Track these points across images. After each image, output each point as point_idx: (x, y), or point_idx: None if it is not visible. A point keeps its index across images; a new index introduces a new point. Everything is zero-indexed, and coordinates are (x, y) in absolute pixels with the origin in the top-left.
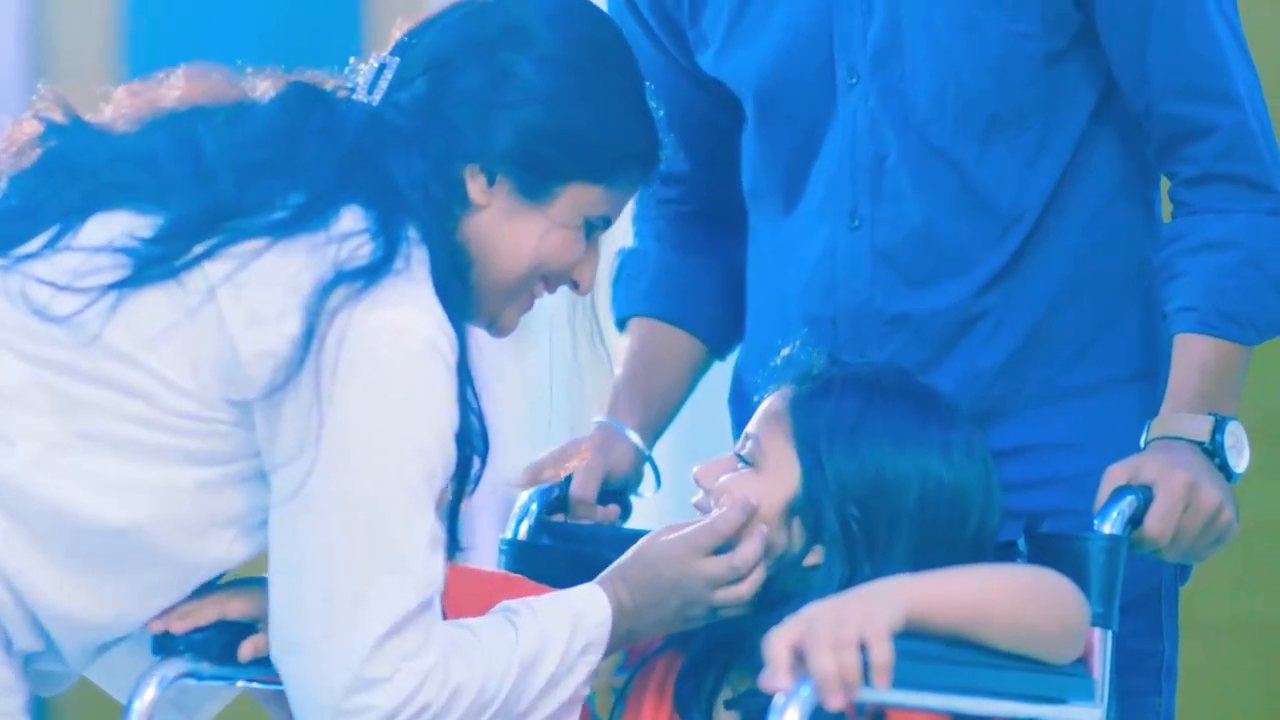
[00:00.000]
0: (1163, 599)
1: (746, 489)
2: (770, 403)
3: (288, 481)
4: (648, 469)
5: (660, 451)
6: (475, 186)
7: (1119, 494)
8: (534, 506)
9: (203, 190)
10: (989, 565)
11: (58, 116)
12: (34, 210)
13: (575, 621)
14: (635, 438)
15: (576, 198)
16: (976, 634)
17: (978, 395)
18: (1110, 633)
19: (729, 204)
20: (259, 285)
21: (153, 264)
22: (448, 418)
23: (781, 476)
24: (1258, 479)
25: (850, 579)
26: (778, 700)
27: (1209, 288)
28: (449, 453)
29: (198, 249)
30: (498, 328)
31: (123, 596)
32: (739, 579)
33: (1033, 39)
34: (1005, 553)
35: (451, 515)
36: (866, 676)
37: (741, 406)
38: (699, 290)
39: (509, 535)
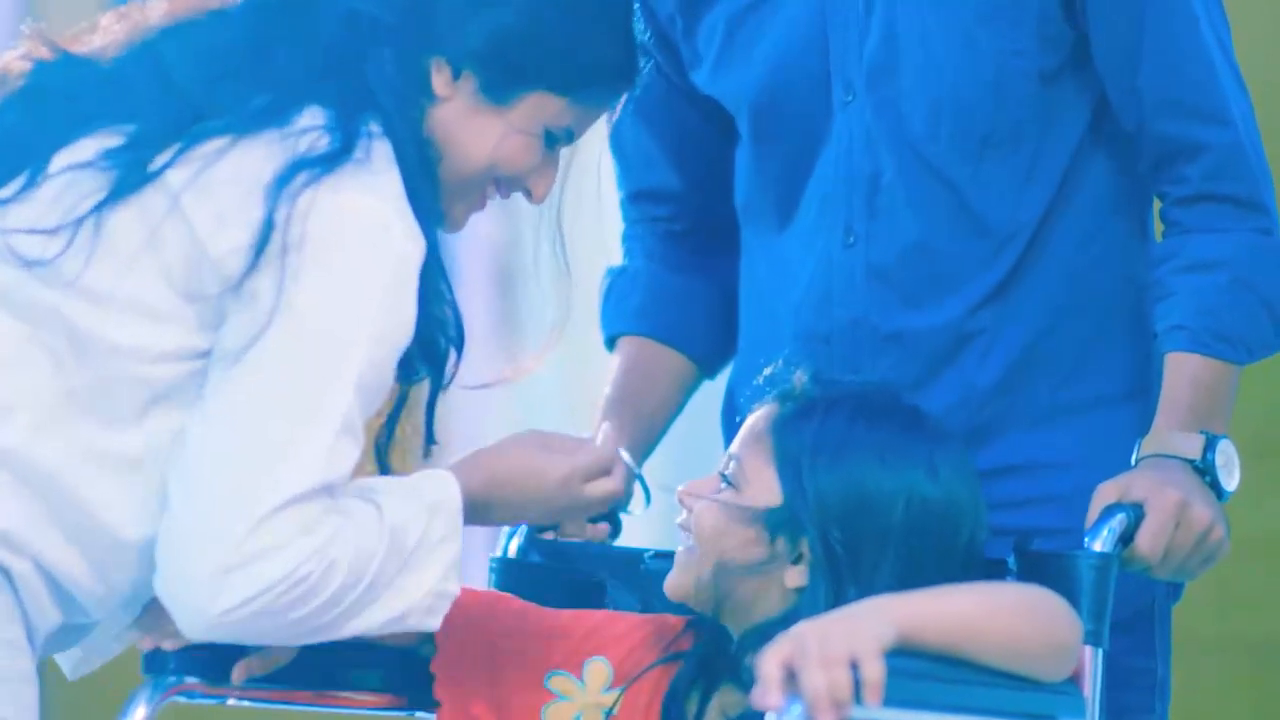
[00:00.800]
0: (1155, 617)
1: (723, 515)
2: (753, 422)
3: (235, 343)
4: (637, 486)
5: (651, 468)
6: (440, 79)
7: (1110, 512)
8: (524, 524)
9: (170, 101)
10: (981, 583)
11: (44, 53)
12: (11, 147)
13: (433, 508)
14: (625, 455)
15: (539, 106)
16: (968, 652)
17: (971, 413)
18: (1101, 650)
19: (720, 222)
20: (223, 184)
21: (125, 172)
22: (402, 310)
23: (763, 498)
24: (1245, 497)
25: (836, 600)
26: (769, 718)
27: (1201, 307)
28: (398, 344)
29: (162, 157)
30: (447, 223)
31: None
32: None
33: (1028, 56)
34: (995, 570)
35: (429, 409)
36: (858, 694)
37: (733, 424)
38: (690, 309)
39: (499, 554)
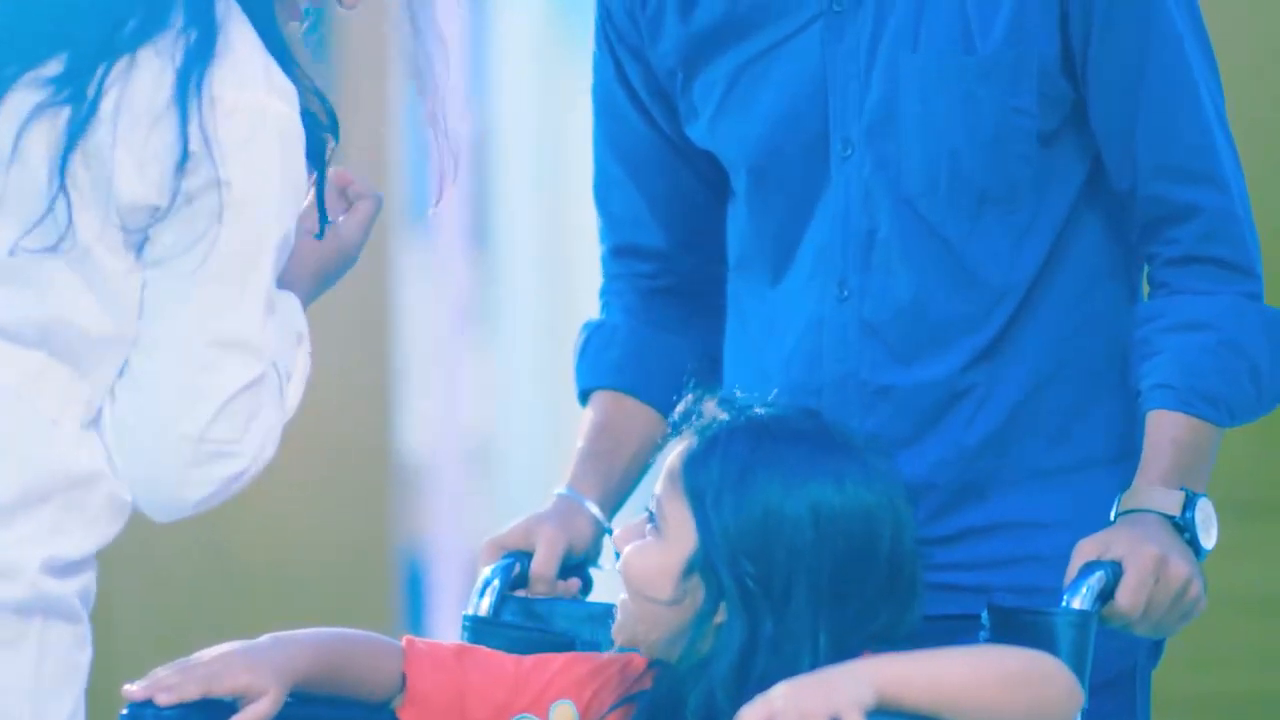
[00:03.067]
0: (1138, 678)
1: (648, 557)
2: (670, 460)
3: (167, 251)
4: (608, 541)
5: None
6: None
7: (1088, 569)
8: (496, 581)
9: (76, 20)
10: (977, 647)
11: None
12: None
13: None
14: (596, 510)
15: None
16: (940, 716)
17: (959, 471)
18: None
19: (703, 282)
20: (130, 112)
21: (75, 103)
22: (299, 171)
23: (681, 537)
24: (1223, 557)
25: (753, 633)
26: None
27: (1187, 367)
28: (300, 202)
29: (92, 87)
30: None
31: None
32: None
33: (1028, 115)
34: (967, 626)
35: (320, 201)
36: None
37: None
38: (667, 366)
39: (471, 611)
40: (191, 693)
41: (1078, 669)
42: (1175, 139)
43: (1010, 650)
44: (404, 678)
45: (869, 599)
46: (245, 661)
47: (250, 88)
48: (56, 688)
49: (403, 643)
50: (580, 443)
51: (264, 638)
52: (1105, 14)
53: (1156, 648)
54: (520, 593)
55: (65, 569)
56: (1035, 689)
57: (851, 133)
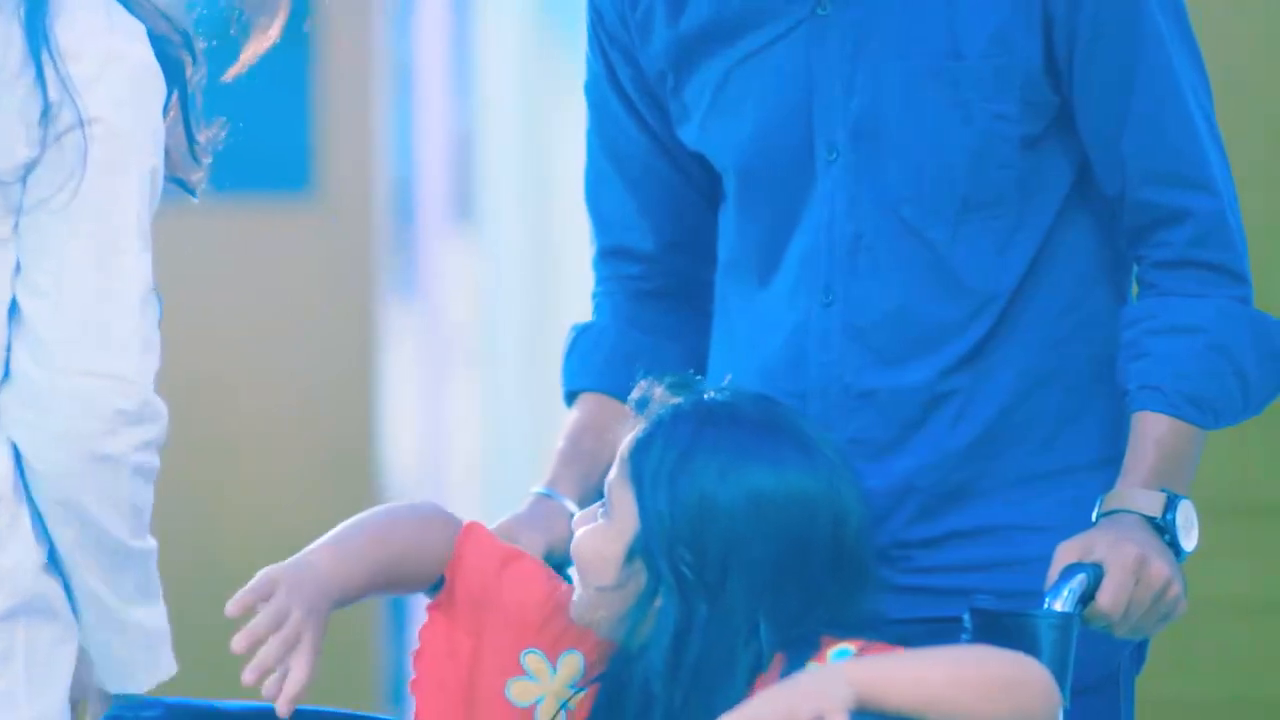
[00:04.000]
0: (1120, 684)
1: (595, 541)
2: (622, 445)
3: (40, 191)
4: None
5: None
6: None
7: (1070, 571)
8: None
9: None
10: (957, 648)
11: None
12: None
13: None
14: (575, 509)
15: None
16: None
17: (944, 475)
18: (1062, 711)
19: (692, 286)
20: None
21: None
22: (158, 104)
23: (625, 522)
24: (1205, 560)
25: (688, 619)
26: None
27: (1176, 370)
28: (159, 147)
29: None
30: None
31: None
32: None
33: (1011, 121)
34: (950, 629)
35: (187, 123)
36: None
37: None
38: (655, 370)
39: None
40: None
41: (1059, 671)
42: (1163, 145)
43: (991, 653)
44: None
45: (810, 587)
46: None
47: (94, 32)
48: (41, 687)
49: (460, 531)
50: (561, 443)
51: (309, 556)
52: (1090, 21)
53: (1140, 653)
54: None
55: (43, 566)
56: (1015, 694)
57: (836, 138)
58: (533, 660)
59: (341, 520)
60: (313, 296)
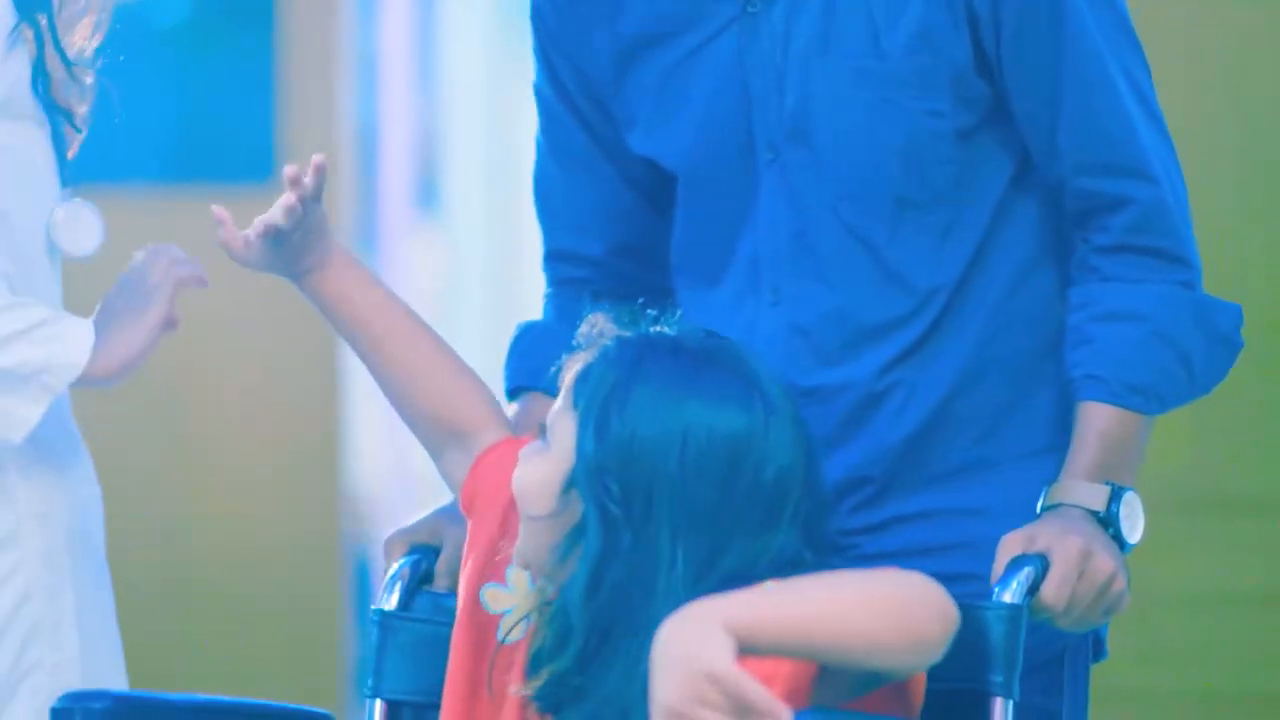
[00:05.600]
0: (1065, 665)
1: (533, 470)
2: (567, 374)
3: None
4: None
5: None
6: None
7: (1017, 563)
8: (405, 576)
9: None
10: (848, 572)
11: None
12: None
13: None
14: None
15: None
16: (814, 650)
17: (888, 467)
18: (1011, 702)
19: (639, 291)
20: None
21: None
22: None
23: (564, 451)
24: (1168, 552)
25: (611, 550)
26: None
27: (1117, 358)
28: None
29: None
30: None
31: None
32: None
33: (943, 117)
34: None
35: (57, 45)
36: None
37: None
38: None
39: (380, 605)
40: None
41: (1009, 663)
42: (1096, 135)
43: (875, 573)
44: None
45: (723, 526)
46: None
47: None
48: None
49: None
50: None
51: None
52: (1014, 15)
53: (1099, 642)
54: (426, 588)
55: None
56: (905, 612)
57: (774, 137)
58: (517, 573)
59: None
60: (276, 287)
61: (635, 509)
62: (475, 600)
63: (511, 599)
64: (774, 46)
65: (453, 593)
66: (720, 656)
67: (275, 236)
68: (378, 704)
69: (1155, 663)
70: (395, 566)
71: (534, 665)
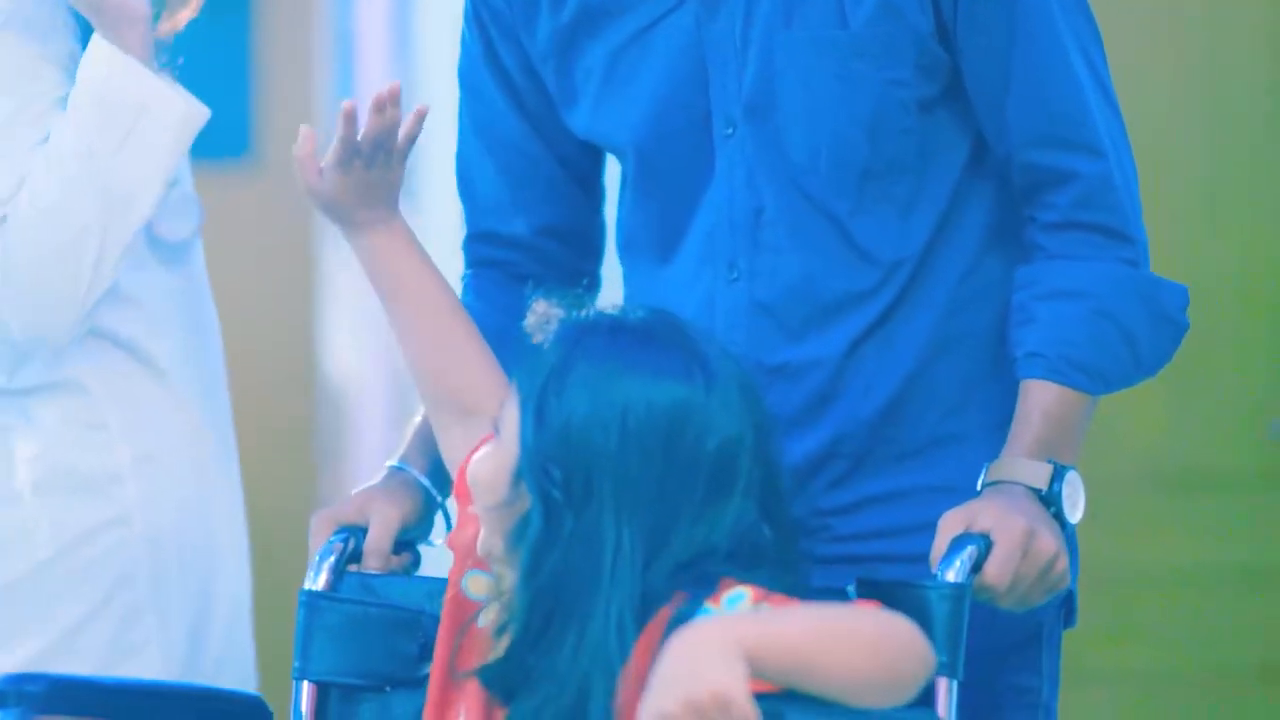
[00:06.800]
0: (1043, 639)
1: (485, 460)
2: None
3: None
4: (440, 517)
5: None
6: None
7: (960, 542)
8: (333, 556)
9: None
10: (824, 607)
11: None
12: None
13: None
14: (429, 484)
15: None
16: (800, 684)
17: (858, 444)
18: (955, 682)
19: (563, 275)
20: None
21: None
22: None
23: (512, 441)
24: (1142, 530)
25: (553, 534)
26: None
27: (1060, 336)
28: None
29: None
30: None
31: None
32: None
33: (906, 86)
34: (836, 599)
35: None
36: None
37: None
38: (518, 354)
39: (308, 586)
40: None
41: (953, 642)
42: (1046, 107)
43: (868, 613)
44: None
45: (668, 502)
46: None
47: None
48: None
49: (467, 459)
50: (417, 419)
51: None
52: None
53: (1069, 612)
54: (353, 568)
55: None
56: (887, 653)
57: (733, 111)
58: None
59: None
60: (252, 263)
61: (576, 492)
62: (459, 587)
63: (490, 586)
64: (733, 21)
65: (381, 573)
66: (736, 684)
67: (346, 162)
68: (305, 686)
69: (1132, 641)
70: (321, 549)
71: (494, 650)
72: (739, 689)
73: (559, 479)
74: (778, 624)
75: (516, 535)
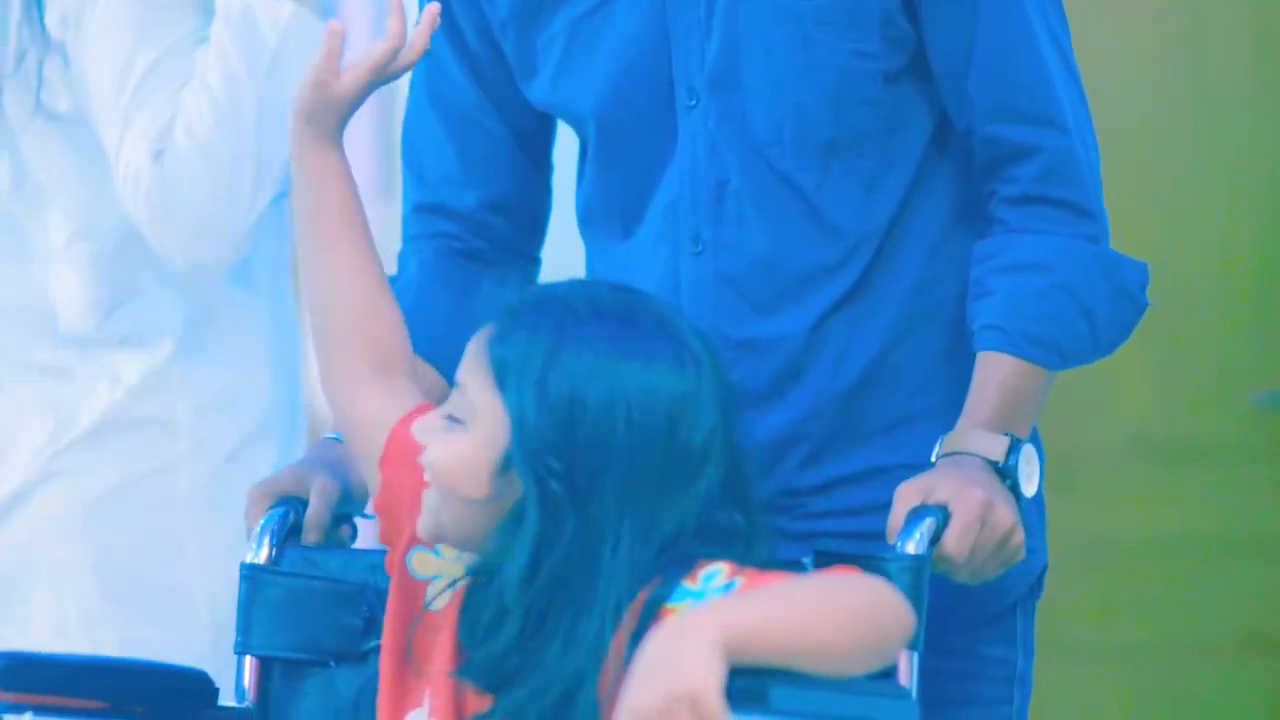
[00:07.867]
0: (1018, 611)
1: (457, 450)
2: (473, 345)
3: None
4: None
5: None
6: None
7: (918, 514)
8: (274, 529)
9: None
10: (827, 582)
11: None
12: None
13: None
14: None
15: None
16: (791, 665)
17: (828, 420)
18: (916, 654)
19: (507, 254)
20: None
21: None
22: None
23: (492, 428)
24: (1127, 502)
25: (554, 531)
26: None
27: (1016, 309)
28: None
29: None
30: None
31: None
32: None
33: (871, 58)
34: (791, 570)
35: None
36: None
37: None
38: (455, 329)
39: (249, 559)
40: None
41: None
42: (1009, 81)
43: (850, 582)
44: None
45: (662, 494)
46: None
47: None
48: None
49: (399, 422)
50: None
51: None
52: None
53: (1039, 580)
54: (294, 541)
55: None
56: (880, 625)
57: (695, 82)
58: None
59: None
60: None
61: (580, 485)
62: (403, 565)
63: (440, 564)
64: None
65: (321, 546)
66: (709, 683)
67: (376, 78)
68: (248, 660)
69: (1113, 615)
70: (263, 519)
71: (468, 642)
72: (712, 687)
73: (560, 470)
74: (764, 609)
75: (507, 531)
